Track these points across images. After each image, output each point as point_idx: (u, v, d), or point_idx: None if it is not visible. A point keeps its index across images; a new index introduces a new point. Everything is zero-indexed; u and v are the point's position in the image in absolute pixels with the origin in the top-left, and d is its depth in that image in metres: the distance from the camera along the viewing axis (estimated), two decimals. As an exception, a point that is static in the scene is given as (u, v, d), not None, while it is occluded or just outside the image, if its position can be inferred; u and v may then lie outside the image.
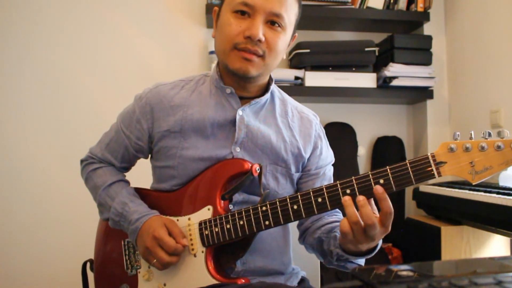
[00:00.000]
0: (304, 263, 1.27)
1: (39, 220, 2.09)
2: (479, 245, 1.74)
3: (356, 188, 0.85)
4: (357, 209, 0.84)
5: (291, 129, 1.10)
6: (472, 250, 1.72)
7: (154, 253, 0.97)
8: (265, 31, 0.98)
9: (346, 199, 0.84)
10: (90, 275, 1.18)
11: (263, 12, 0.97)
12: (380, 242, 0.93)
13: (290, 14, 1.01)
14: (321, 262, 1.32)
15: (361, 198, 0.83)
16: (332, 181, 1.15)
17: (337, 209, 1.07)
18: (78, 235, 1.87)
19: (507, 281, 0.48)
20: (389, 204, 0.83)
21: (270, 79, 1.11)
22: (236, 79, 1.04)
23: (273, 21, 0.98)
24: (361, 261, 1.01)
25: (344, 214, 0.87)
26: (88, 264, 1.20)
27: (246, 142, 1.04)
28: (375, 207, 0.87)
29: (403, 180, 0.82)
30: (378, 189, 0.82)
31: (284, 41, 1.02)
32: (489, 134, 0.78)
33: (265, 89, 1.10)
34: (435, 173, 0.81)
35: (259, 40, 0.97)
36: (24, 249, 2.08)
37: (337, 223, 1.03)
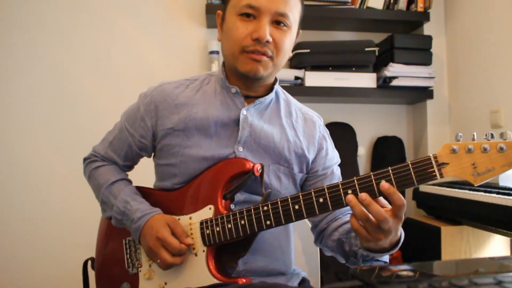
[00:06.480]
0: (304, 263, 1.27)
1: (40, 218, 2.10)
2: (479, 245, 1.74)
3: (358, 189, 0.85)
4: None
5: (295, 129, 1.10)
6: (472, 250, 1.72)
7: (158, 254, 0.97)
8: (271, 32, 0.98)
9: (351, 199, 0.84)
10: (91, 274, 1.19)
11: (269, 13, 0.97)
12: (403, 234, 0.91)
13: (295, 12, 1.01)
14: (321, 262, 1.32)
15: (364, 197, 0.82)
16: (341, 180, 1.15)
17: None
18: (79, 234, 1.87)
19: (507, 281, 0.48)
20: (399, 196, 0.82)
21: (275, 79, 1.11)
22: (243, 80, 1.05)
23: (278, 21, 0.98)
24: (386, 258, 0.99)
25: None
26: (89, 263, 1.20)
27: (249, 142, 1.04)
28: (384, 201, 0.86)
29: (405, 181, 0.82)
30: (385, 185, 0.82)
31: (290, 40, 1.03)
32: (492, 136, 0.77)
33: (270, 89, 1.10)
34: (437, 174, 0.80)
35: (267, 41, 0.97)
36: (25, 248, 2.08)
37: None
